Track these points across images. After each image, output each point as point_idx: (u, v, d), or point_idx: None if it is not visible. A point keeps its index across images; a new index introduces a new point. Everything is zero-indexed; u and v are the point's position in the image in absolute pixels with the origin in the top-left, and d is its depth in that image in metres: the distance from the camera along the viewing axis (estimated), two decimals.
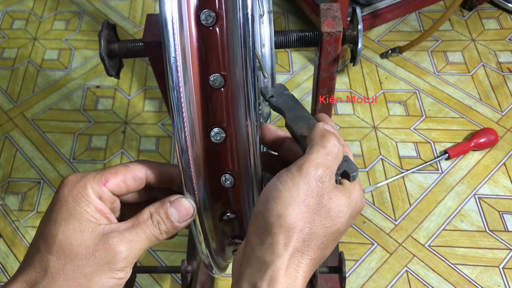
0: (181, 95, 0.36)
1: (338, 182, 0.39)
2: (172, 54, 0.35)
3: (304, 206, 0.35)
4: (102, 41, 0.57)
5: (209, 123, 0.39)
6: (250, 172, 0.40)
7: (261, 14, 0.52)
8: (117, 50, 0.59)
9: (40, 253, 0.36)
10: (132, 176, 0.40)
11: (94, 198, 0.38)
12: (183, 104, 0.36)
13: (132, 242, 0.37)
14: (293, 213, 0.35)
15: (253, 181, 0.40)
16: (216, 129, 0.39)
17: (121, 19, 1.57)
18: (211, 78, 0.37)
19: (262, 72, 0.51)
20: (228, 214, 0.43)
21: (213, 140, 0.39)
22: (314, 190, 0.36)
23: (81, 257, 0.36)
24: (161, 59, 0.35)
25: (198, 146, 0.39)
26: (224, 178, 0.41)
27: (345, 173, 0.39)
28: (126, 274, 0.38)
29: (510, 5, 1.46)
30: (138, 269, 0.79)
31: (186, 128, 0.37)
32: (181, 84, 0.36)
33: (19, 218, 1.17)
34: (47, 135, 1.31)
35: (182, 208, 0.40)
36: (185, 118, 0.37)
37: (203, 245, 0.44)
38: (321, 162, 0.37)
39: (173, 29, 0.34)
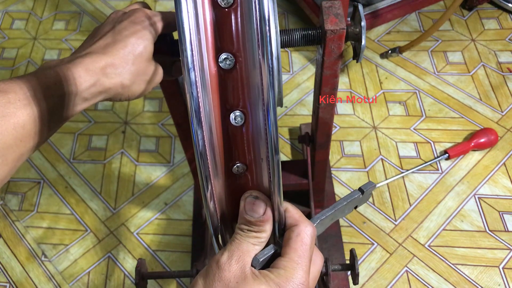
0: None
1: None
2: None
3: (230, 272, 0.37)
4: None
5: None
6: (262, 108, 0.36)
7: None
8: None
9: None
10: None
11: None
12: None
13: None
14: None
15: (266, 114, 0.35)
16: (227, 59, 0.36)
17: None
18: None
19: None
20: (238, 164, 0.39)
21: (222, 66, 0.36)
22: (237, 273, 0.38)
23: None
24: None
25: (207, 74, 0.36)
26: (234, 115, 0.37)
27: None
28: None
29: (510, 5, 1.46)
30: (150, 274, 0.77)
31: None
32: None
33: (19, 218, 1.17)
34: None
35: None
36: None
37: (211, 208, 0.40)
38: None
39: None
